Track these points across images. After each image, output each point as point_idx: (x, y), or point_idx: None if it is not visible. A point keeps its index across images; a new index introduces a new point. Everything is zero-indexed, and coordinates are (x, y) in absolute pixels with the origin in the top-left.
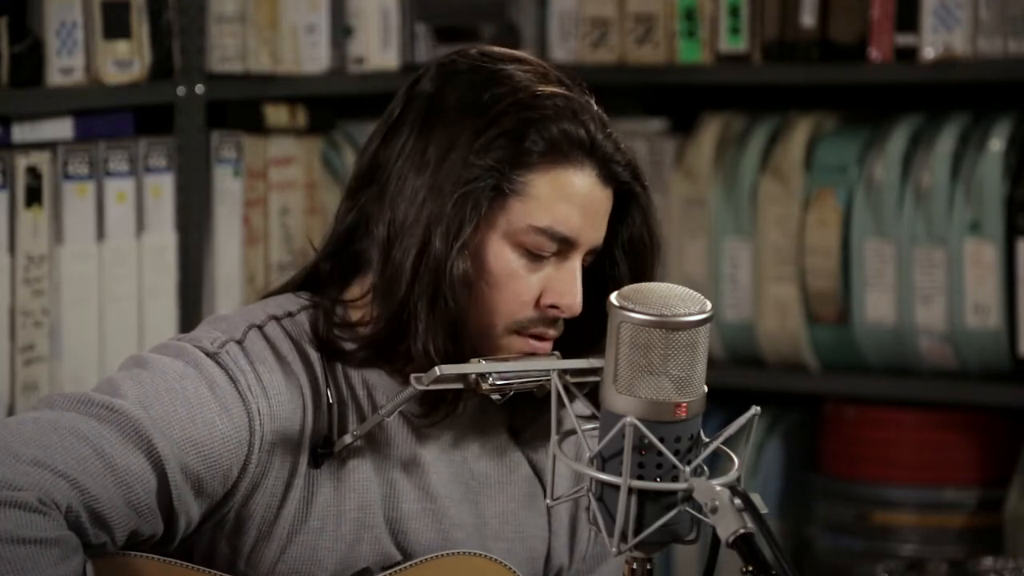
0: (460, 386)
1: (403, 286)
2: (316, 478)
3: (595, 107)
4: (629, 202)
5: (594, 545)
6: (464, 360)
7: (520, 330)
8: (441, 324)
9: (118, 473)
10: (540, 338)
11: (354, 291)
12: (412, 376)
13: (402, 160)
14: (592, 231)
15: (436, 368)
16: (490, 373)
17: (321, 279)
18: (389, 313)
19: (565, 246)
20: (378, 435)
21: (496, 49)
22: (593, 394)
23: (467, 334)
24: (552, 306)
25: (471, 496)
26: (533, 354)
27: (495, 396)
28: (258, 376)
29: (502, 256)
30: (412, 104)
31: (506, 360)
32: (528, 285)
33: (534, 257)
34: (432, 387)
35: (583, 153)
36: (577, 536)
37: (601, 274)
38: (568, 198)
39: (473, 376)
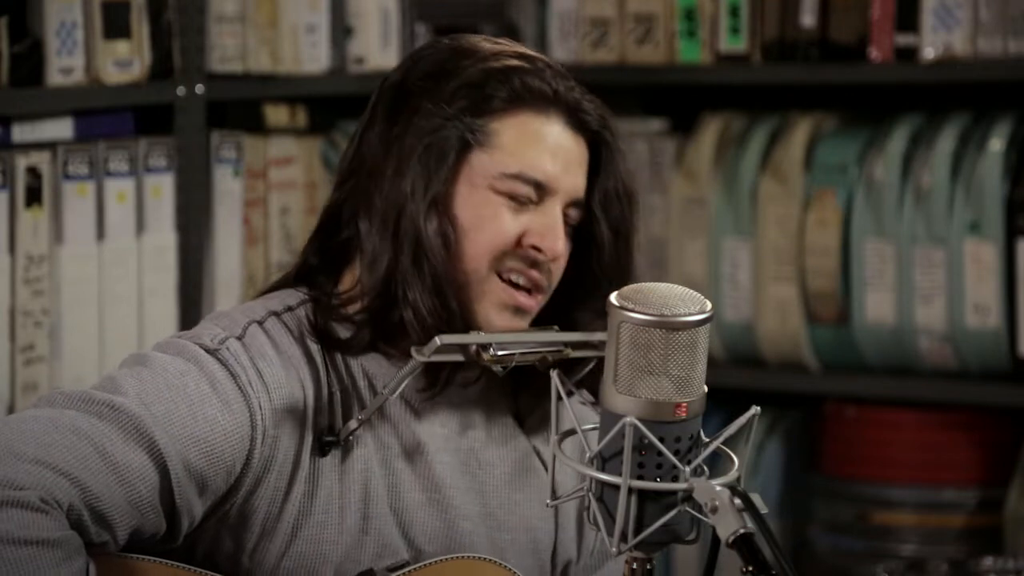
0: (461, 358)
1: (386, 256)
2: (319, 471)
3: (562, 69)
4: (601, 155)
5: (601, 541)
6: (456, 322)
7: (502, 272)
8: (427, 282)
9: (119, 471)
10: (525, 282)
11: (346, 281)
12: (413, 348)
13: (375, 145)
14: (567, 178)
15: (436, 338)
16: (491, 344)
17: (312, 273)
18: (378, 284)
19: (541, 192)
20: (382, 425)
21: (469, 35)
22: (594, 393)
23: (453, 284)
24: (534, 247)
25: (476, 486)
26: (520, 309)
27: (497, 368)
28: (259, 371)
29: (478, 200)
30: (383, 95)
31: (507, 333)
32: (508, 225)
33: (513, 202)
34: (434, 359)
35: (546, 102)
36: (585, 530)
37: (584, 232)
38: (536, 142)
39: (474, 348)
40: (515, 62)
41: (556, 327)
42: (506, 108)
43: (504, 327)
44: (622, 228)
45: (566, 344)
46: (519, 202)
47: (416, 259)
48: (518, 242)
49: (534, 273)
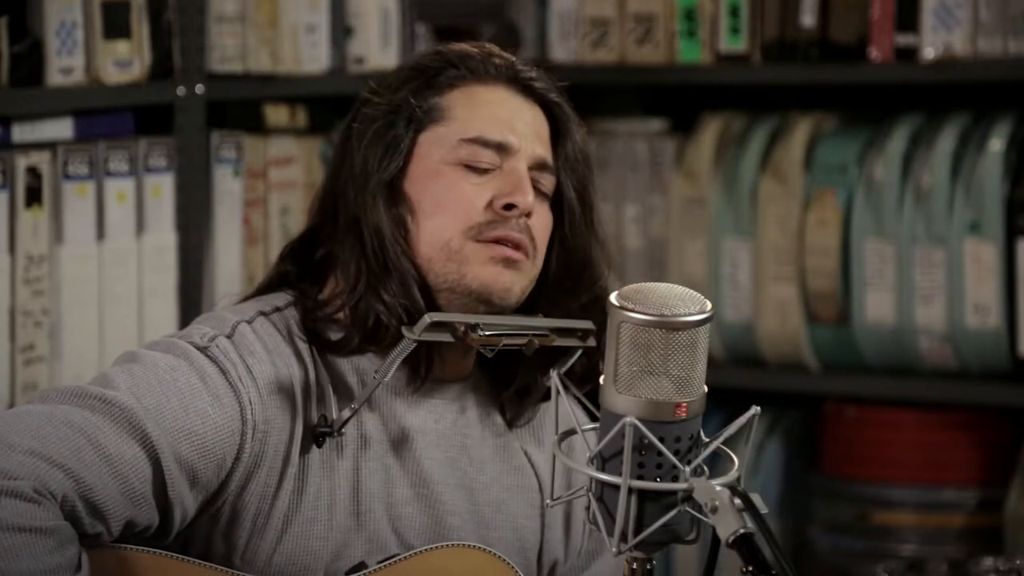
0: (450, 338)
1: (354, 260)
2: (308, 468)
3: (510, 56)
4: (558, 122)
5: (589, 541)
6: (434, 304)
7: (479, 236)
8: (394, 277)
9: (112, 462)
10: (505, 241)
11: (328, 290)
12: (403, 328)
13: (336, 158)
14: (525, 141)
15: (426, 316)
16: (479, 324)
17: (294, 279)
18: (352, 288)
19: (503, 153)
20: (372, 421)
21: None
22: (592, 394)
23: (427, 271)
24: (506, 206)
25: (466, 482)
26: (508, 260)
27: (485, 350)
28: (248, 368)
29: (436, 178)
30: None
31: (494, 316)
32: (473, 193)
33: (474, 173)
34: (424, 337)
35: (489, 75)
36: (571, 531)
37: (555, 202)
38: (487, 105)
39: (462, 328)
40: (460, 48)
41: (541, 314)
42: (453, 83)
43: (498, 281)
44: (585, 190)
45: (552, 330)
46: (480, 171)
47: (378, 255)
48: (489, 209)
49: (513, 234)
